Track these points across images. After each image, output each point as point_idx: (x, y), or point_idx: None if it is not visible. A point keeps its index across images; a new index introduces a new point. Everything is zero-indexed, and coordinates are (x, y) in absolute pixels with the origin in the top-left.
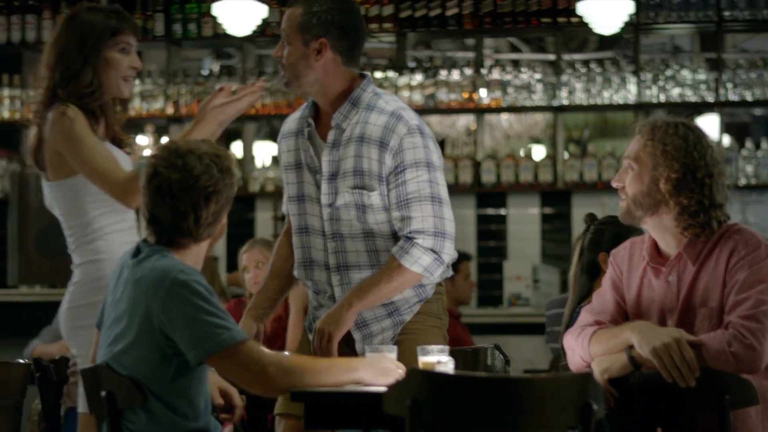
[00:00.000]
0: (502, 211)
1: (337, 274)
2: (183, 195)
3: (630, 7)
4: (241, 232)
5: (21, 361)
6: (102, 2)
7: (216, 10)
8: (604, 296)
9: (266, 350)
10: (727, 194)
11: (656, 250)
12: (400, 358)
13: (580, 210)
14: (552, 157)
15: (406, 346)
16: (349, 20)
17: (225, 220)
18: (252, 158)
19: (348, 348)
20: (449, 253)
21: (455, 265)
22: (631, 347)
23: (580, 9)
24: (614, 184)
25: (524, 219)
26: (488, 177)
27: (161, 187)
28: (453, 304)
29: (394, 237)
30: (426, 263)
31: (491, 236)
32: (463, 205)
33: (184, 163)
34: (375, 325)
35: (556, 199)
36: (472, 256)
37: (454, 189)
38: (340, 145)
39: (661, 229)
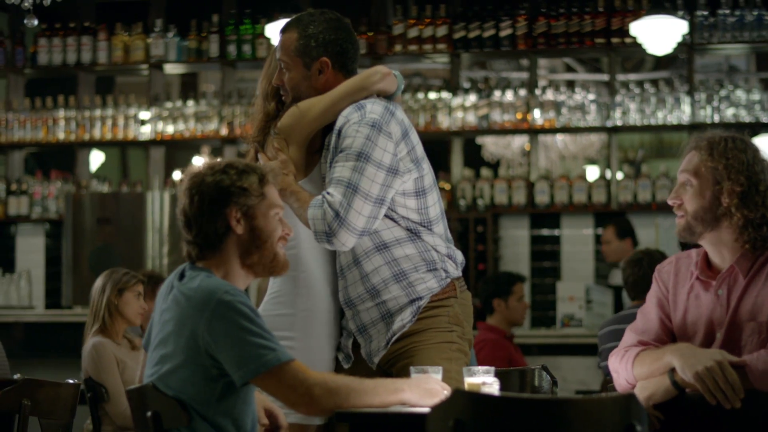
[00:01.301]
0: (556, 232)
1: (342, 278)
2: (181, 196)
3: (684, 28)
4: None
5: (70, 380)
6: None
7: (270, 31)
8: (648, 315)
9: (311, 371)
10: None
11: (706, 264)
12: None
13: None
14: (606, 178)
15: (417, 362)
16: (345, 36)
17: (273, 232)
18: None
19: (357, 358)
20: (343, 242)
21: (509, 287)
22: (673, 371)
23: (634, 29)
24: (671, 201)
25: (578, 240)
26: (542, 198)
27: None
28: (506, 326)
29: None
30: (317, 225)
31: (545, 257)
32: (516, 226)
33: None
34: (372, 329)
35: (610, 219)
36: (526, 278)
37: (508, 209)
38: (329, 145)
39: (718, 244)
